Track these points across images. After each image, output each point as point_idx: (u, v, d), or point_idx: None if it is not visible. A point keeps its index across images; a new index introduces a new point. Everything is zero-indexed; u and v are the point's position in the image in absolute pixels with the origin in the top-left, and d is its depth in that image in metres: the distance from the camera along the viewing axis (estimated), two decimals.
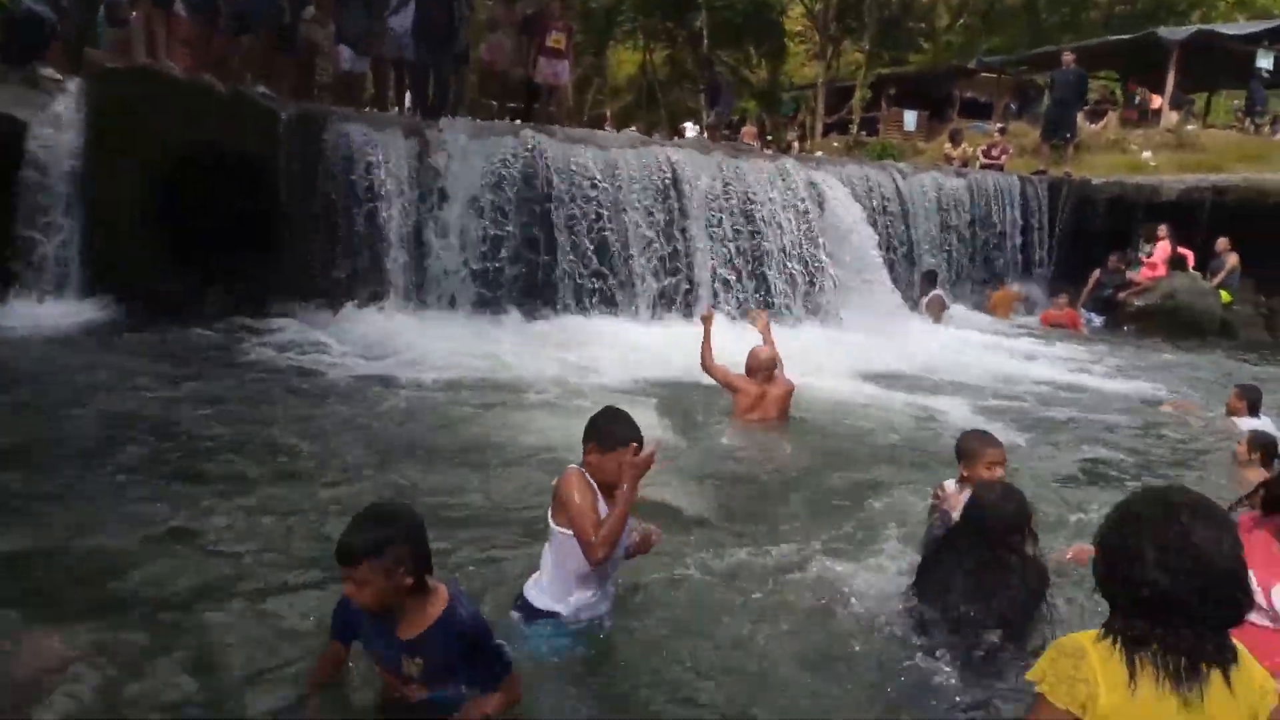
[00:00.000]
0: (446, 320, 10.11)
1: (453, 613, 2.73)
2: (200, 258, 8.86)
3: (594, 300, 11.06)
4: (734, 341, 7.30)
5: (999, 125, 20.95)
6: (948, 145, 19.51)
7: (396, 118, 11.35)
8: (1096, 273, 15.43)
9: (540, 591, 3.51)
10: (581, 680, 3.32)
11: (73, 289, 8.69)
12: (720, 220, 12.10)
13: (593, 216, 11.11)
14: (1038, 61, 23.63)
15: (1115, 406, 8.80)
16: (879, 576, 4.20)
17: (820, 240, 12.74)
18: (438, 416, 6.85)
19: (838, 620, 3.87)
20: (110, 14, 10.83)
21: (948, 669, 3.37)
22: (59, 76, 8.92)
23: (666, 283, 11.62)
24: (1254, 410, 7.54)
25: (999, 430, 5.52)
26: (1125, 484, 6.08)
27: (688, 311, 11.32)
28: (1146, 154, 18.27)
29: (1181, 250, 14.89)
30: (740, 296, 11.82)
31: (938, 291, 14.51)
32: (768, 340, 7.11)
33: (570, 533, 3.34)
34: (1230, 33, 21.12)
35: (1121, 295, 15.06)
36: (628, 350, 9.45)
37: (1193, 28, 21.82)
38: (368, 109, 11.72)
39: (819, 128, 27.99)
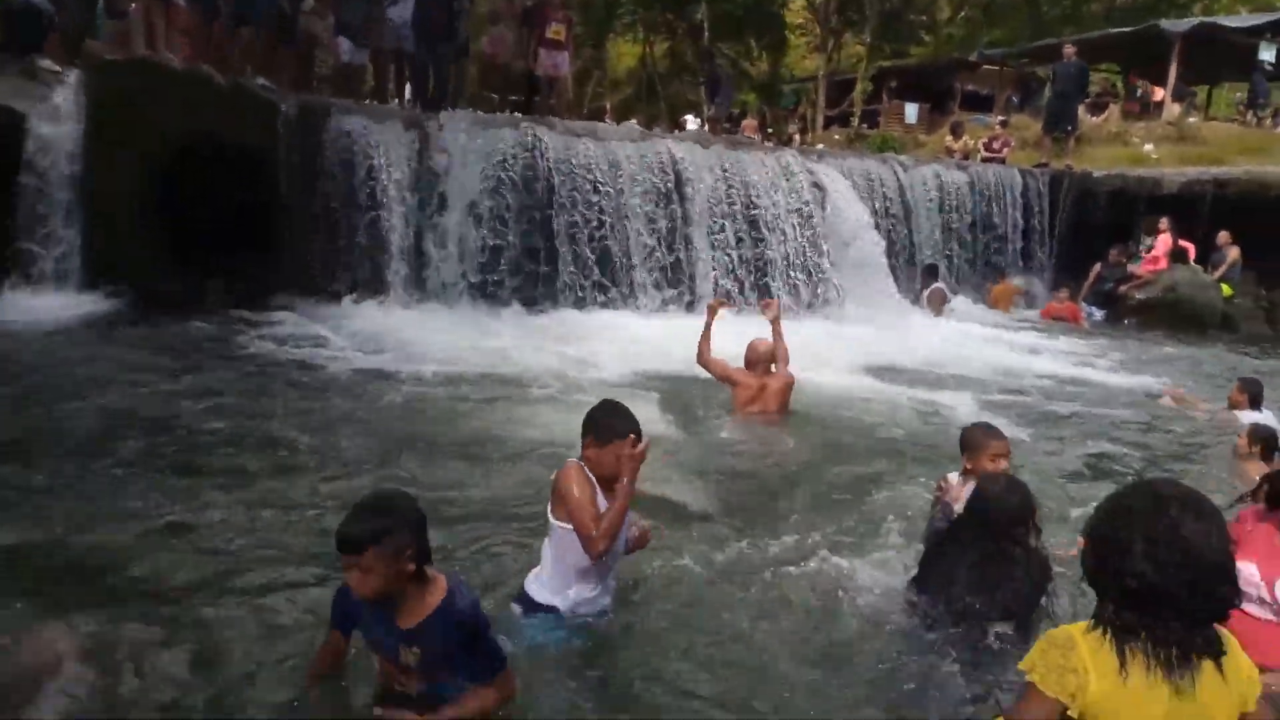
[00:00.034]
0: (447, 314, 10.10)
1: (452, 602, 2.73)
2: (200, 253, 8.83)
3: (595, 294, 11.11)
4: (734, 338, 7.26)
5: (1000, 118, 20.89)
6: (949, 138, 19.45)
7: (396, 110, 11.34)
8: (1097, 266, 15.40)
9: (540, 586, 3.50)
10: (580, 674, 3.31)
11: (72, 282, 8.67)
12: (723, 227, 12.11)
13: (594, 224, 11.17)
14: (1039, 54, 23.57)
15: (1117, 400, 8.79)
16: (880, 570, 4.20)
17: (824, 247, 12.74)
18: (438, 410, 6.84)
19: (839, 614, 3.86)
20: (109, 6, 10.81)
21: (951, 661, 3.37)
22: (58, 68, 8.88)
23: (669, 294, 11.66)
24: (1255, 404, 7.52)
25: (1001, 424, 5.50)
26: (1126, 478, 6.06)
27: (690, 307, 11.36)
28: (1148, 147, 18.23)
29: (1183, 243, 14.86)
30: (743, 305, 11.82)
31: (939, 285, 14.48)
32: (778, 331, 7.06)
33: (569, 527, 3.33)
34: (1232, 25, 21.06)
35: (1122, 289, 15.03)
36: (628, 343, 9.45)
37: (1195, 20, 21.79)
38: (368, 101, 11.69)
39: (820, 121, 27.92)
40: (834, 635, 3.70)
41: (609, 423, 3.43)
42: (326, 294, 9.81)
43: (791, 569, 4.24)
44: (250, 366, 7.53)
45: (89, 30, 10.43)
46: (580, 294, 11.07)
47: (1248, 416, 7.17)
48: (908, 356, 10.19)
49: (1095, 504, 2.34)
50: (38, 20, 9.12)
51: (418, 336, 8.89)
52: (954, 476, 4.27)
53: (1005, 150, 18.03)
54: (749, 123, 22.26)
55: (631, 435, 3.35)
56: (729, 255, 12.09)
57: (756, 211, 12.49)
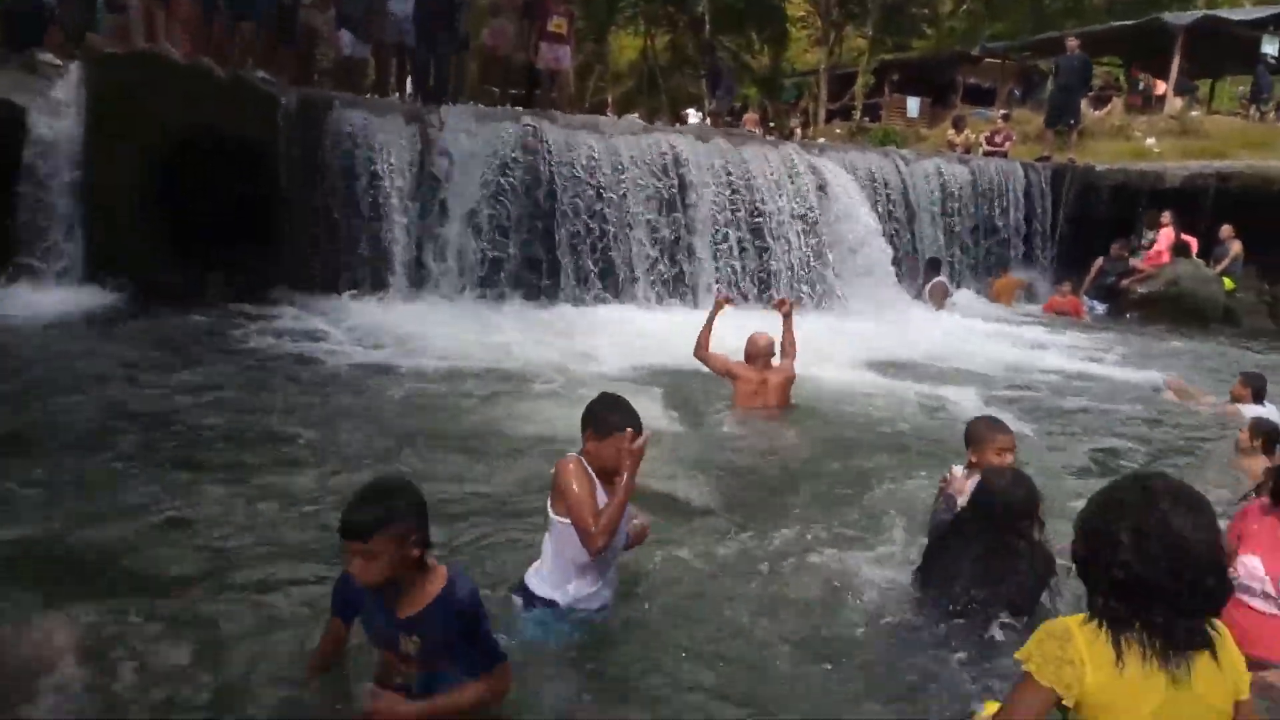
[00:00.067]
0: (448, 308, 10.09)
1: (452, 591, 2.72)
2: (200, 246, 8.82)
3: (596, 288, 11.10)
4: (734, 332, 7.24)
5: (1002, 111, 20.82)
6: (951, 132, 19.40)
7: (397, 103, 11.30)
8: (1100, 260, 15.38)
9: (540, 580, 3.49)
10: (579, 668, 3.30)
11: (73, 275, 8.66)
12: (727, 235, 12.08)
13: (597, 233, 11.19)
14: (1041, 47, 23.51)
15: (1120, 395, 8.77)
16: (883, 564, 4.19)
17: (829, 257, 12.69)
18: (438, 404, 6.82)
19: (840, 607, 3.85)
20: (109, 0, 10.76)
21: (954, 655, 3.36)
22: (58, 61, 8.86)
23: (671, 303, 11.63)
24: (1258, 398, 7.51)
25: (1004, 418, 5.47)
26: (1128, 471, 6.05)
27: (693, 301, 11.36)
28: (1150, 140, 18.18)
29: (1185, 237, 14.83)
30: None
31: (940, 278, 14.47)
32: (789, 325, 7.05)
33: (568, 522, 3.32)
34: (1236, 18, 21.00)
35: (1124, 282, 15.02)
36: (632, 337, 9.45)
37: (1198, 13, 21.71)
38: (369, 95, 11.67)
39: (821, 114, 27.85)
40: (835, 629, 3.69)
41: (609, 416, 3.41)
42: (326, 287, 9.79)
43: (793, 563, 4.23)
44: (250, 360, 7.52)
45: (89, 24, 10.41)
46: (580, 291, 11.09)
47: (1250, 410, 7.15)
48: (909, 351, 10.18)
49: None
50: (38, 14, 9.09)
51: (419, 330, 8.87)
52: (959, 469, 4.26)
53: (1007, 144, 17.99)
54: (750, 116, 22.23)
55: (631, 429, 3.33)
56: (732, 266, 12.00)
57: (760, 219, 12.36)
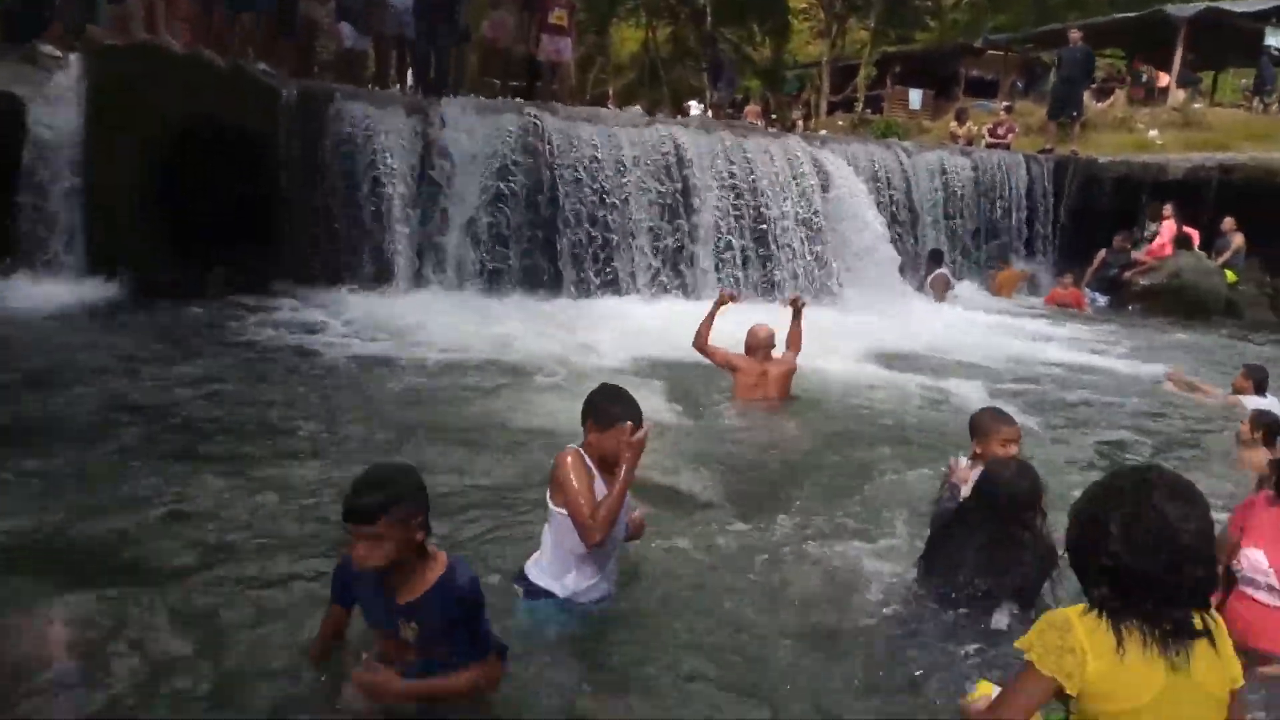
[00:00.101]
0: (449, 300, 10.08)
1: (452, 577, 2.73)
2: (201, 242, 8.80)
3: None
4: (735, 324, 7.23)
5: (1005, 104, 20.77)
6: (953, 124, 19.37)
7: (398, 96, 11.28)
8: (1102, 252, 15.34)
9: (540, 571, 3.49)
10: (577, 659, 3.30)
11: (73, 268, 8.64)
12: (730, 244, 12.04)
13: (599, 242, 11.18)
14: (1044, 39, 23.45)
15: (1122, 387, 8.76)
16: (884, 555, 4.19)
17: (835, 267, 12.65)
18: (440, 396, 6.82)
19: (841, 599, 3.84)
20: None
21: (956, 645, 3.36)
22: (59, 53, 8.84)
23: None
24: (1260, 390, 7.51)
25: (1008, 410, 5.47)
26: (1131, 463, 6.04)
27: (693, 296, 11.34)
28: (1153, 133, 18.15)
29: (1187, 229, 14.80)
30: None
31: (942, 270, 14.45)
32: (796, 324, 7.03)
33: (567, 513, 3.31)
34: (1239, 10, 20.88)
35: (1127, 275, 14.97)
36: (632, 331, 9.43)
37: (1201, 5, 21.59)
38: (369, 87, 11.64)
39: (824, 106, 27.80)
40: (836, 620, 3.68)
41: (610, 408, 3.41)
42: (327, 280, 9.78)
43: (793, 554, 4.23)
44: (251, 353, 7.51)
45: (90, 15, 10.39)
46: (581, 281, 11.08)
47: (1252, 402, 7.14)
48: (911, 343, 10.16)
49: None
50: (39, 8, 9.08)
51: (420, 323, 8.86)
52: (963, 459, 4.25)
53: (1010, 136, 17.95)
54: (752, 108, 22.14)
55: (631, 422, 3.32)
56: (736, 277, 11.91)
57: (764, 226, 12.27)
